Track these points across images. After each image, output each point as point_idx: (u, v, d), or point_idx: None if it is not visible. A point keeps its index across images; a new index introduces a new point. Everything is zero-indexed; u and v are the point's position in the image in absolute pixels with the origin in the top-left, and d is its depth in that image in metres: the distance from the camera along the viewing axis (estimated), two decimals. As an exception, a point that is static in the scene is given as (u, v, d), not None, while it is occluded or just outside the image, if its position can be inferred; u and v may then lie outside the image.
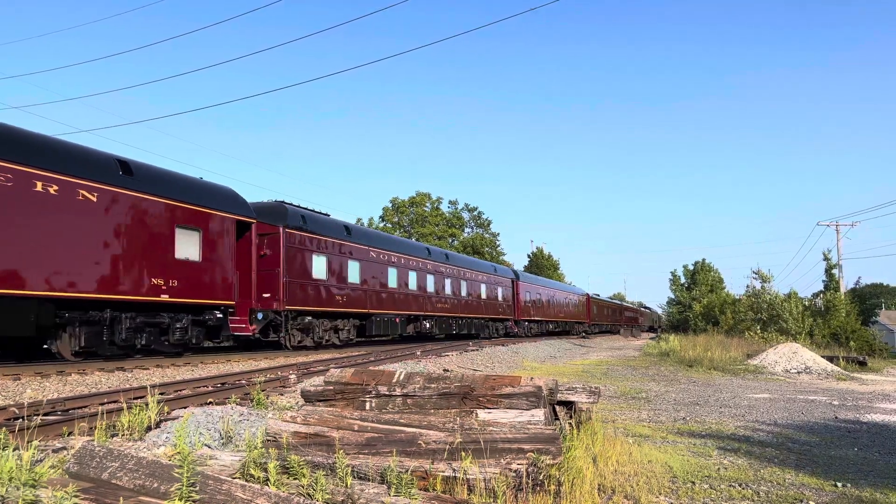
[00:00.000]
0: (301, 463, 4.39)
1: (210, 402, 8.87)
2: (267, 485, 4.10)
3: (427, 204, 65.15)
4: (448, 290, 31.57)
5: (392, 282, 26.05)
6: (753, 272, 42.79)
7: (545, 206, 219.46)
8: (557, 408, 6.60)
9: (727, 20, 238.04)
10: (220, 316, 17.01)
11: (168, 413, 7.67)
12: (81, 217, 13.55)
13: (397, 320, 26.16)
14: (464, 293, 33.61)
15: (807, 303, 38.16)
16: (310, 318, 20.70)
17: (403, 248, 28.35)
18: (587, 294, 62.89)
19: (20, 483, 4.04)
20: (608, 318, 71.77)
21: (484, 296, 36.46)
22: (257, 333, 18.88)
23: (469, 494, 4.32)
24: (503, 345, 28.32)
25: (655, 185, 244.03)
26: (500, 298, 38.92)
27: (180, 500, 3.54)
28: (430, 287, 29.59)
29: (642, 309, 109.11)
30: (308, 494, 3.96)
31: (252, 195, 19.52)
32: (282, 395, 10.27)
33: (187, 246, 16.06)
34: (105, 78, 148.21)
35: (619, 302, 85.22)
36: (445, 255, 33.40)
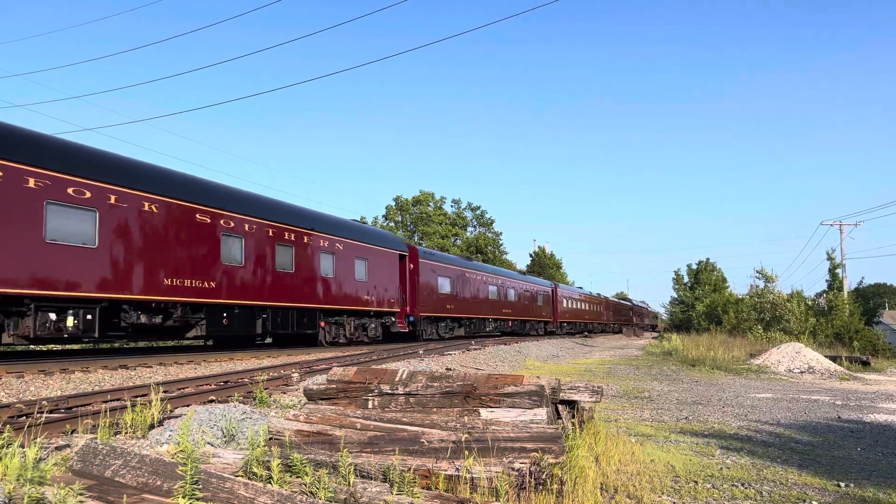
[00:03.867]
0: (304, 461, 4.40)
1: (213, 401, 8.89)
2: (270, 483, 4.11)
3: (430, 203, 65.12)
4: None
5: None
6: (757, 272, 42.92)
7: (548, 206, 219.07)
8: (560, 407, 6.60)
9: (729, 20, 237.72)
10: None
11: (171, 411, 7.68)
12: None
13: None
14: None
15: (810, 302, 38.14)
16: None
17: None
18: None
19: (26, 480, 4.05)
20: (504, 306, 37.11)
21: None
22: None
23: (472, 493, 4.32)
24: (506, 343, 28.36)
25: (659, 184, 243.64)
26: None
27: (183, 497, 3.55)
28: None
29: (615, 300, 77.39)
30: (311, 493, 3.97)
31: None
32: (284, 393, 10.28)
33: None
34: (105, 77, 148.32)
35: (546, 284, 48.02)
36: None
